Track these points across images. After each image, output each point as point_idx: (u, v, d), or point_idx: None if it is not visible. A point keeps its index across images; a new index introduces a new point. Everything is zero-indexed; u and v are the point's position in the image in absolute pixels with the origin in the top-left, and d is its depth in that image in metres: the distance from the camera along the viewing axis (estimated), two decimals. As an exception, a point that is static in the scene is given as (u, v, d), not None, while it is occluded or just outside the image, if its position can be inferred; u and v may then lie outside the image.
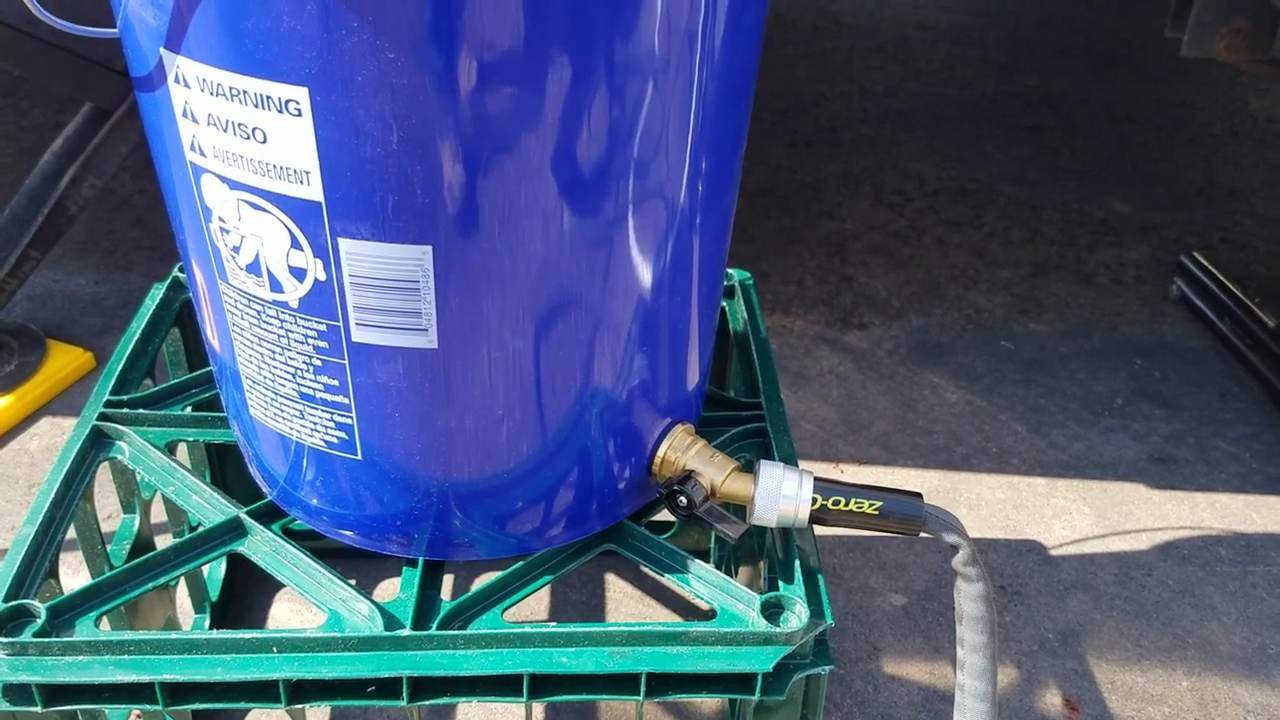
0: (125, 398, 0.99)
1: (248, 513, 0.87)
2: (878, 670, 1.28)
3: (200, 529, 0.87)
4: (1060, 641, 1.32)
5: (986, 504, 1.54)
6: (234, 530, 0.87)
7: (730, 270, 1.18)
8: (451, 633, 0.78)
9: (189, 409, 1.02)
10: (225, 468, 1.26)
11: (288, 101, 0.63)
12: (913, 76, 3.02)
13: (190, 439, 1.00)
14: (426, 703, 0.78)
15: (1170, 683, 1.27)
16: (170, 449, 1.00)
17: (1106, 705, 1.24)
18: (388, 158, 0.64)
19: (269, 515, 0.89)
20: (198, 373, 1.06)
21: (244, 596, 1.34)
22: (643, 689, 0.77)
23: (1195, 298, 1.86)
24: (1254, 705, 1.25)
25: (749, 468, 0.85)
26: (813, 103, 2.85)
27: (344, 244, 0.68)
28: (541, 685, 0.78)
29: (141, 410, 0.98)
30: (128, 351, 1.04)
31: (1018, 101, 2.89)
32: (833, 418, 1.69)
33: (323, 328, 0.73)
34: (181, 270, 1.14)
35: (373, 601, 0.79)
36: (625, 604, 1.36)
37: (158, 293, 1.12)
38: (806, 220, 2.28)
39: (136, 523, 1.06)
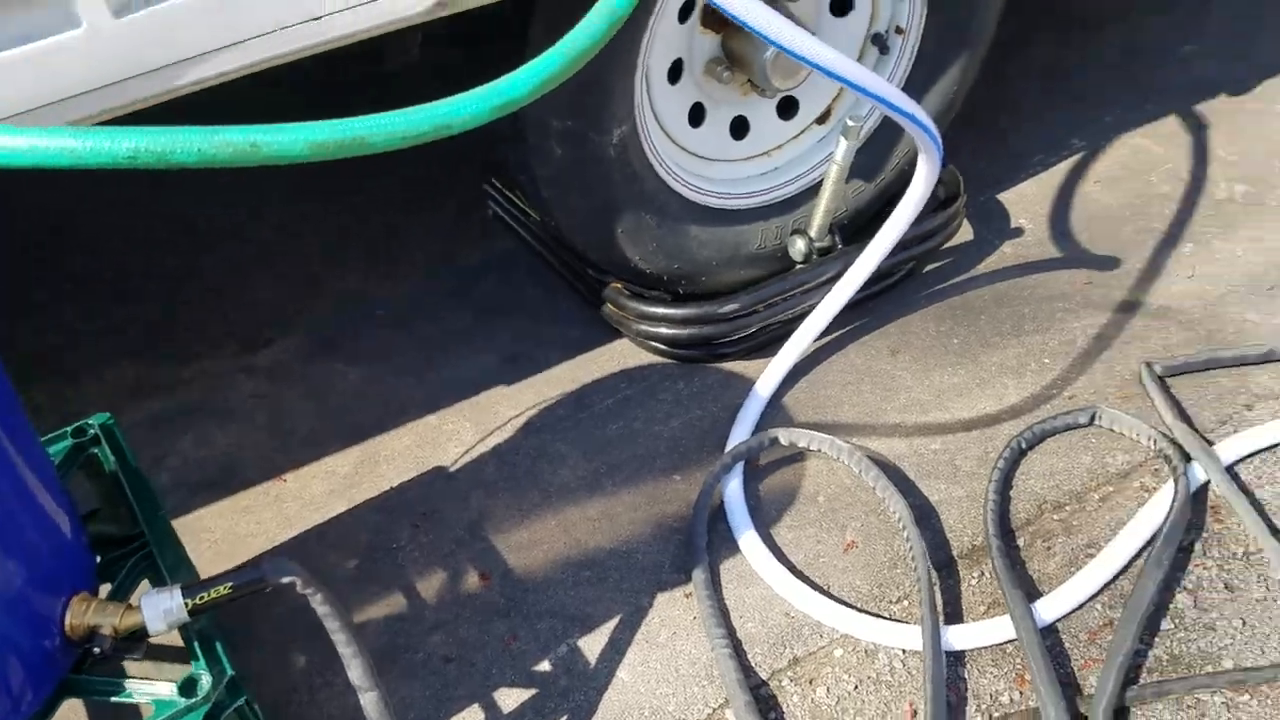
0: None
1: None
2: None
3: None
4: (469, 533, 1.84)
5: (399, 453, 2.00)
6: None
7: (90, 421, 1.46)
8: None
9: None
10: None
11: None
12: None
13: None
14: None
15: (544, 528, 1.85)
16: None
17: (508, 565, 1.79)
18: None
19: None
20: None
21: None
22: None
23: (505, 216, 2.40)
24: (595, 515, 1.86)
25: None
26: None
27: None
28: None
29: None
30: None
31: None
32: (263, 438, 2.05)
33: None
34: None
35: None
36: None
37: None
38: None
39: None
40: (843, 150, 1.90)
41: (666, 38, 1.85)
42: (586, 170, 1.86)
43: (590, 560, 1.78)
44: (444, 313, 2.31)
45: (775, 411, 2.04)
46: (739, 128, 2.11)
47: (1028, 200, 2.47)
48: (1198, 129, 2.57)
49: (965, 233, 2.38)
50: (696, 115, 2.03)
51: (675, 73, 1.94)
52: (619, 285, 2.11)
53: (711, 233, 2.08)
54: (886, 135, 2.15)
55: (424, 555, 1.82)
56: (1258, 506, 1.74)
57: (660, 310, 2.08)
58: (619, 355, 2.18)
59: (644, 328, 2.11)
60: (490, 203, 2.43)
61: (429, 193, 2.59)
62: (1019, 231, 2.39)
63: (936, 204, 2.25)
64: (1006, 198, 2.47)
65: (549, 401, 2.09)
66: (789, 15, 1.90)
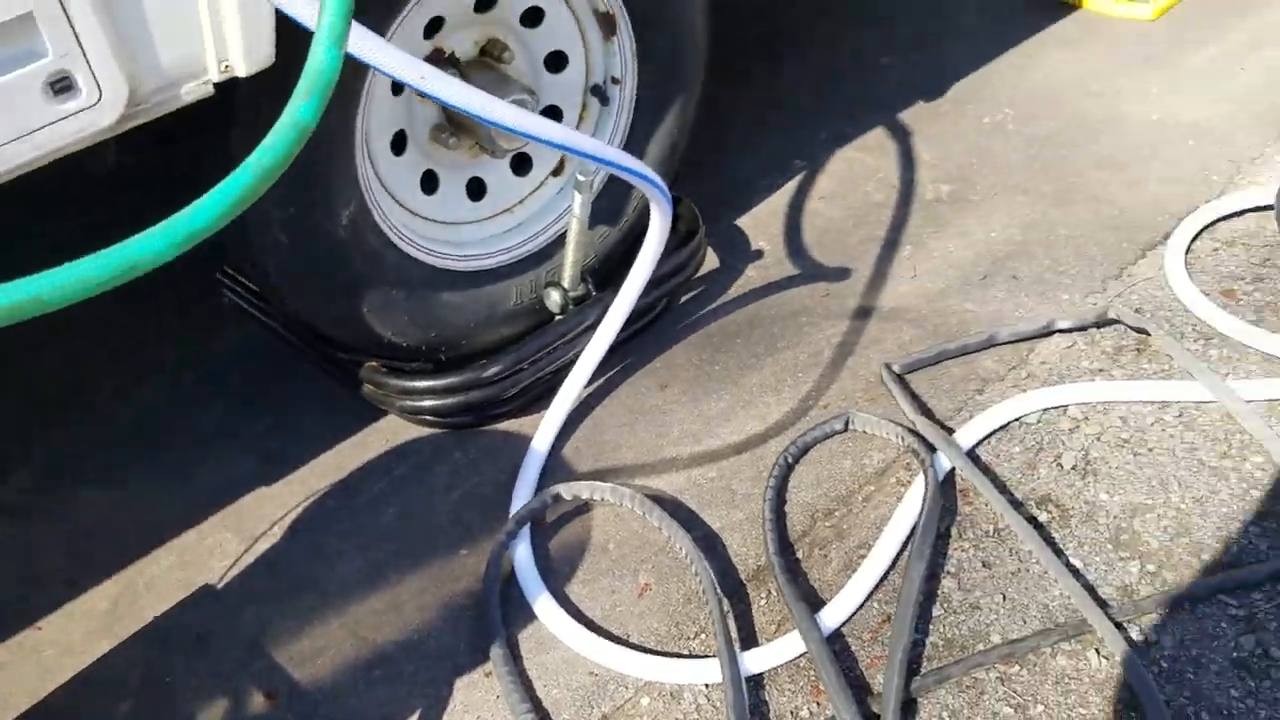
0: None
1: None
2: None
3: None
4: (248, 652, 1.73)
5: (160, 578, 1.85)
6: None
7: None
8: None
9: None
10: None
11: None
12: None
13: None
14: None
15: (328, 633, 1.76)
16: None
17: (294, 679, 1.69)
18: None
19: None
20: None
21: None
22: None
23: (243, 303, 2.27)
24: (380, 608, 1.79)
25: None
26: None
27: None
28: None
29: None
30: None
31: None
32: (9, 585, 1.85)
33: None
34: None
35: None
36: None
37: None
38: None
39: None
40: (579, 203, 1.93)
41: (383, 112, 1.82)
42: (320, 255, 1.79)
43: (381, 657, 1.71)
44: (191, 415, 2.16)
45: (556, 465, 2.04)
46: (476, 189, 2.10)
47: (762, 223, 2.60)
48: (903, 136, 2.79)
49: (711, 261, 2.48)
50: (430, 182, 2.00)
51: (400, 144, 1.90)
52: (375, 363, 2.04)
53: (465, 296, 2.06)
54: (622, 180, 2.21)
55: (201, 684, 1.69)
56: (999, 484, 1.90)
57: (422, 383, 2.03)
58: (387, 433, 2.12)
59: (408, 403, 2.05)
60: (224, 291, 2.30)
61: (156, 281, 2.42)
62: (759, 254, 2.51)
63: (679, 240, 2.32)
64: (744, 223, 2.59)
65: (317, 495, 1.99)
66: (503, 76, 1.93)
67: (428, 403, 2.06)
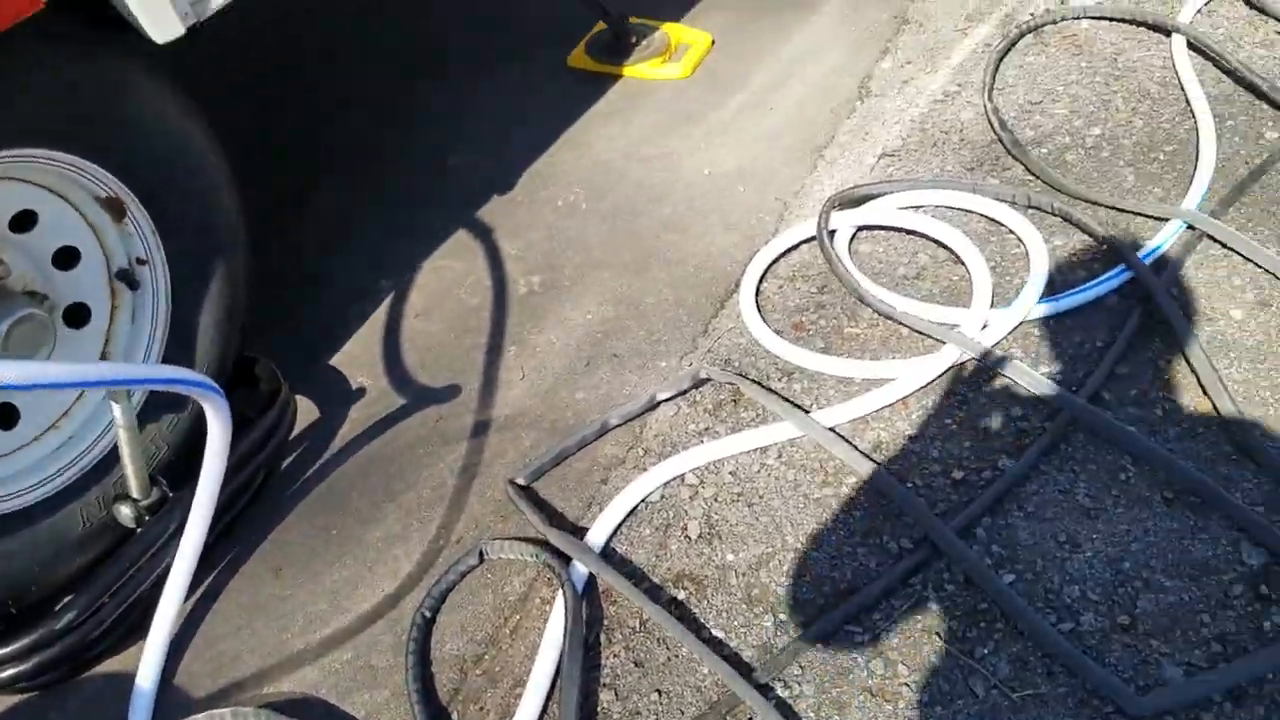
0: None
1: None
2: None
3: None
4: None
5: None
6: None
7: None
8: None
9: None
10: None
11: None
12: None
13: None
14: None
15: None
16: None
17: None
18: None
19: None
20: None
21: None
22: None
23: None
24: None
25: None
26: None
27: None
28: None
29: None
30: None
31: None
32: None
33: None
34: None
35: None
36: None
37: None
38: None
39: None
40: (120, 411, 1.72)
41: None
42: None
43: None
44: None
45: (170, 700, 1.81)
46: (6, 415, 1.83)
47: (359, 357, 2.49)
48: (486, 234, 2.80)
49: (309, 413, 2.34)
50: (-65, 426, 1.72)
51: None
52: (-81, 650, 1.72)
53: (21, 539, 1.79)
54: (179, 359, 2.02)
55: None
56: (636, 574, 1.92)
57: (-14, 656, 1.73)
58: (-42, 722, 1.79)
59: (-25, 682, 1.74)
60: None
61: None
62: (361, 392, 2.40)
63: (264, 402, 2.17)
64: (339, 361, 2.48)
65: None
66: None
67: (5, 673, 1.76)
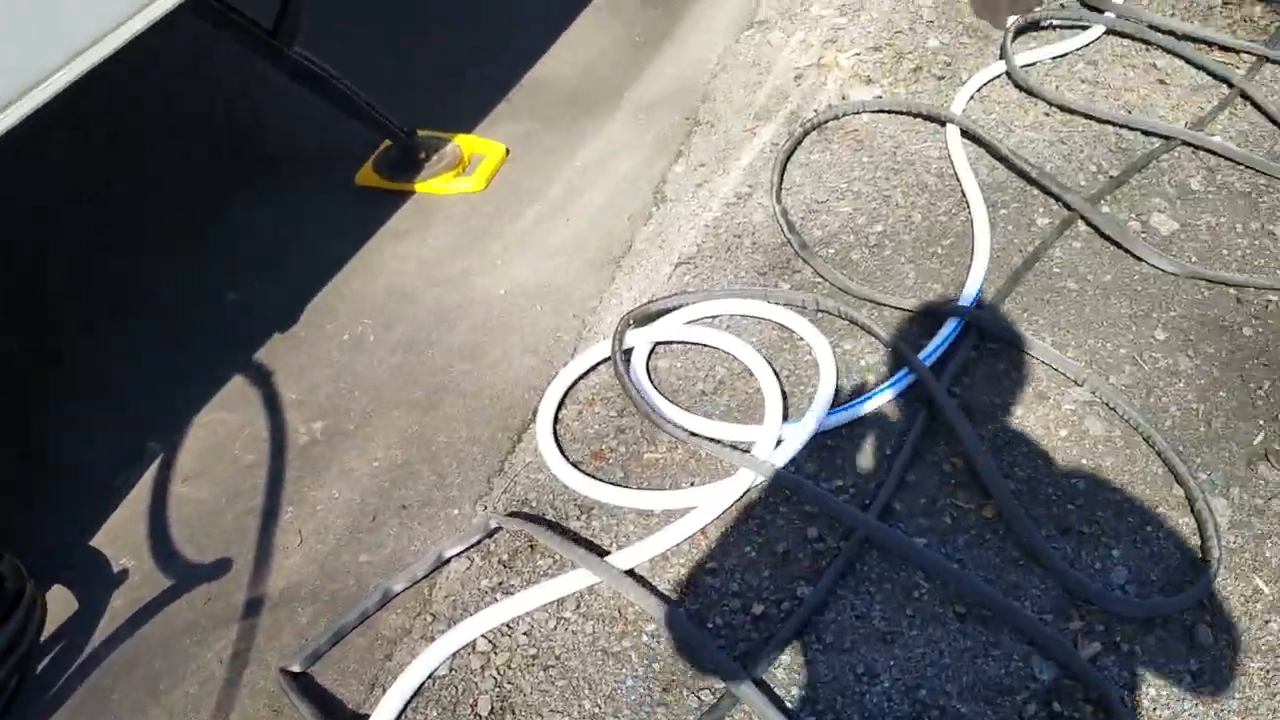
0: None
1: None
2: None
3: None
4: None
5: None
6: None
7: None
8: None
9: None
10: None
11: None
12: None
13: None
14: None
15: None
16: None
17: None
18: None
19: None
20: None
21: None
22: None
23: None
24: None
25: None
26: None
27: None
28: None
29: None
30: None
31: None
32: None
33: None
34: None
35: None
36: None
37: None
38: None
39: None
40: None
41: None
42: None
43: None
44: None
45: None
46: None
47: (121, 535, 2.27)
48: (264, 379, 2.62)
49: (66, 606, 2.10)
50: None
51: None
52: None
53: None
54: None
55: None
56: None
57: None
58: None
59: None
60: None
61: None
62: (124, 575, 2.18)
63: (8, 605, 1.94)
64: (99, 542, 2.25)
65: None
66: None
67: None
